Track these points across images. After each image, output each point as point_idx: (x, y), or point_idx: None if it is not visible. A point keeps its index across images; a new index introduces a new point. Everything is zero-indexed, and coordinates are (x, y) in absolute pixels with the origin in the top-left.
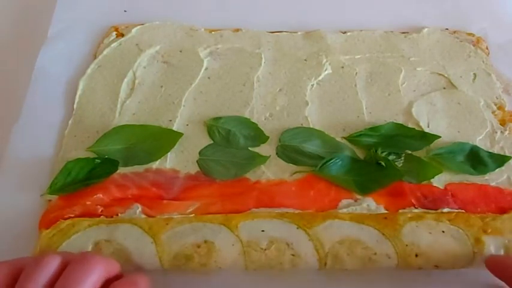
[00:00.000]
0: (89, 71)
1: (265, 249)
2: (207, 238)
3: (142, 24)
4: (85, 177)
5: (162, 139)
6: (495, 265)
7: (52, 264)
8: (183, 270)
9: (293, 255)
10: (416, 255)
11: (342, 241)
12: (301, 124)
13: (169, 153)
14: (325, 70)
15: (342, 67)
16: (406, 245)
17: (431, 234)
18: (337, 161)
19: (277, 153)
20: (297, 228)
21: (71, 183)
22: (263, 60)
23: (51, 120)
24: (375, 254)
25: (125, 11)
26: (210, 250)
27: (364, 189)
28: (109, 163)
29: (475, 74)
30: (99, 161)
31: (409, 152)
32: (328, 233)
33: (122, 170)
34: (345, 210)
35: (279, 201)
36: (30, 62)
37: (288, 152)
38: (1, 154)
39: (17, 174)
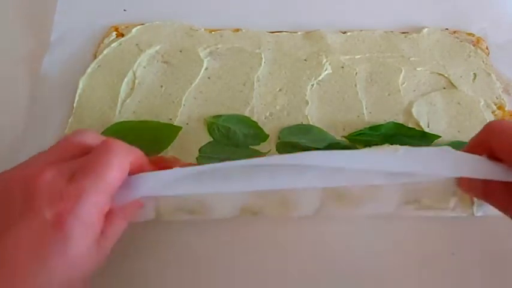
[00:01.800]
0: (89, 70)
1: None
2: None
3: (142, 24)
4: None
5: (161, 134)
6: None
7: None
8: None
9: None
10: None
11: None
12: (301, 123)
13: (168, 150)
14: (325, 70)
15: (342, 67)
16: None
17: None
18: None
19: (277, 150)
20: None
21: None
22: (263, 60)
23: (51, 120)
24: None
25: (125, 10)
26: None
27: None
28: None
29: (475, 74)
30: None
31: None
32: None
33: None
34: None
35: None
36: (31, 63)
37: (288, 149)
38: (1, 154)
39: None
